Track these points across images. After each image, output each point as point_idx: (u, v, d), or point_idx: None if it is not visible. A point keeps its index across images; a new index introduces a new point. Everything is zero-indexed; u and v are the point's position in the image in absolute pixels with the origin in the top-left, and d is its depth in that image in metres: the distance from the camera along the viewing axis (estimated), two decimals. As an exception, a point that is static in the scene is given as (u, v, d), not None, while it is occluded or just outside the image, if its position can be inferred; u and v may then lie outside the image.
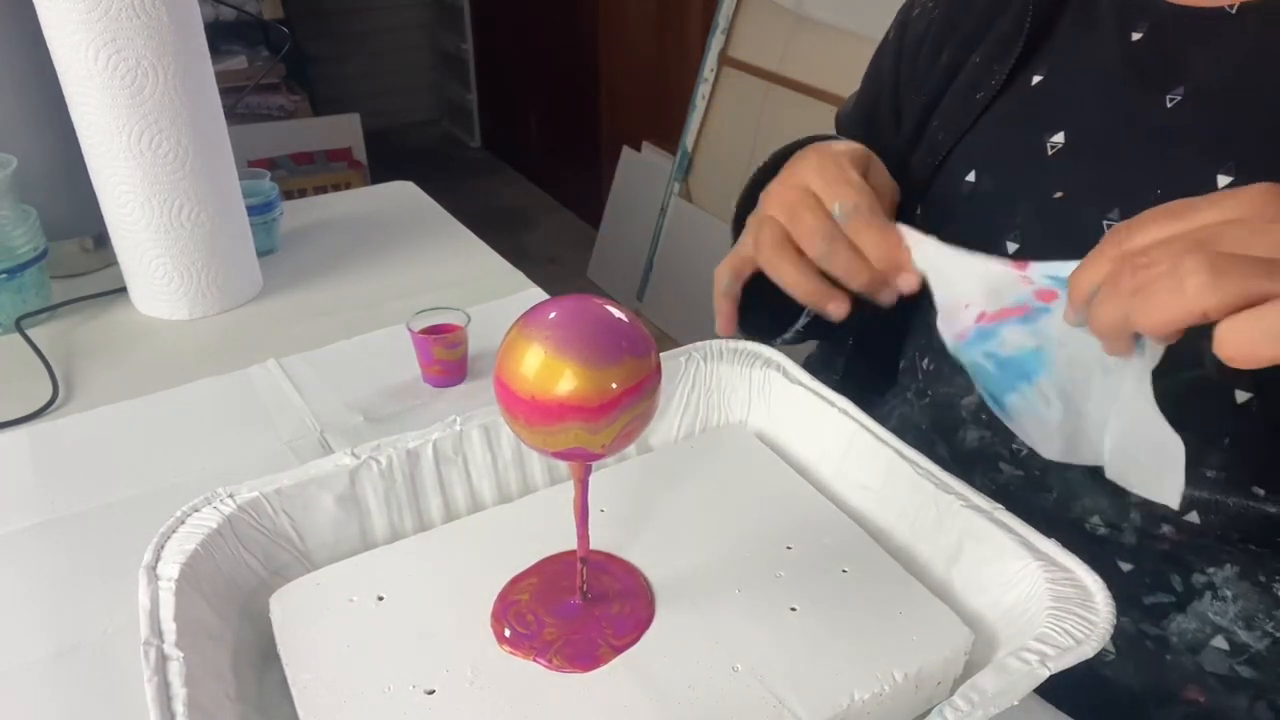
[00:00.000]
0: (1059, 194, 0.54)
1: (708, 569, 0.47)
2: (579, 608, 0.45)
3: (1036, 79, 0.58)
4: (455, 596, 0.46)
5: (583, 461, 0.42)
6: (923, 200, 0.63)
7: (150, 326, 0.83)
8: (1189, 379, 0.49)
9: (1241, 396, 0.49)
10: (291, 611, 0.46)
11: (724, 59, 2.16)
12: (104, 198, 0.78)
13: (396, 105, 3.74)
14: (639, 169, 2.52)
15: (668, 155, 2.38)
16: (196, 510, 0.47)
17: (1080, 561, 0.42)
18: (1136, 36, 0.53)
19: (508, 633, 0.44)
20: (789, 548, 0.49)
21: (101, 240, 0.89)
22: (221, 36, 2.60)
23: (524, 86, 3.27)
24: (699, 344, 0.60)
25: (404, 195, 1.13)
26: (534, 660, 0.42)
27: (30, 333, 0.79)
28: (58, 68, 0.73)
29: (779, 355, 0.59)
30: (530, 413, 0.37)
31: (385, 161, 2.97)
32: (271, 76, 2.73)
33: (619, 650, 0.43)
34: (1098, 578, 0.41)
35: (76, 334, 0.81)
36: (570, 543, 0.47)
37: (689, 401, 0.59)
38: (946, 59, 0.64)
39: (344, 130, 2.82)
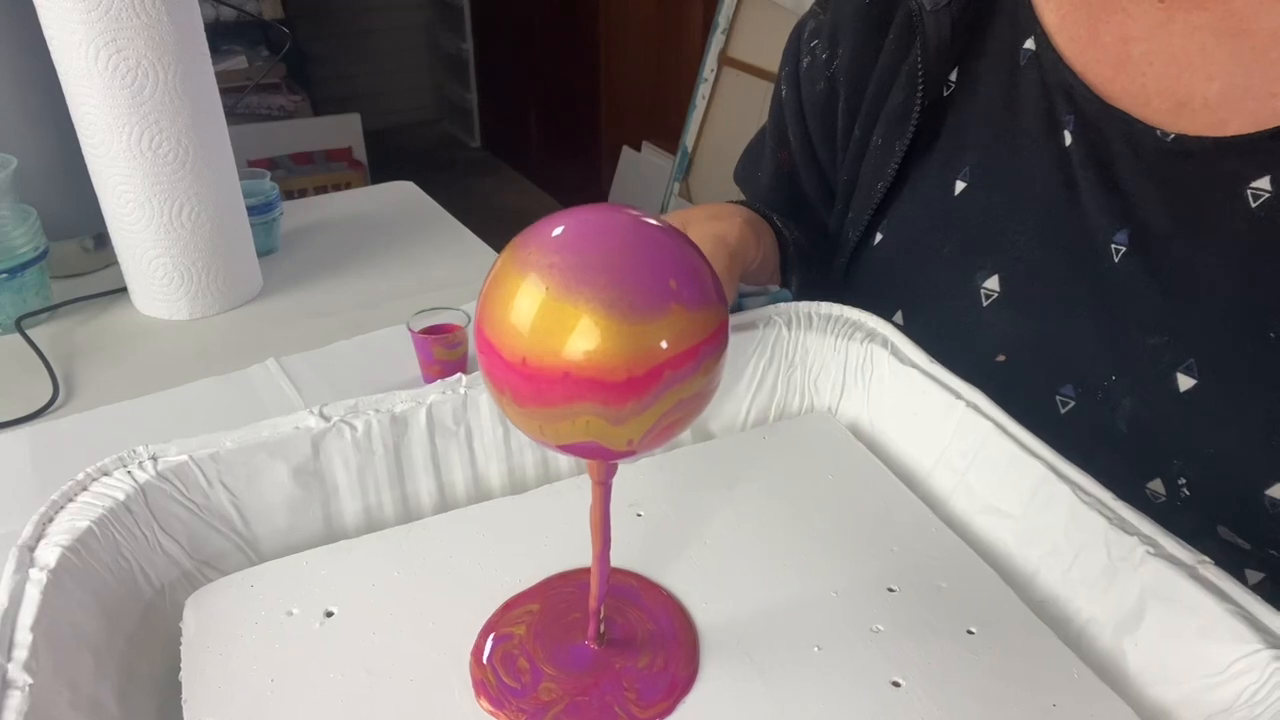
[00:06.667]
0: (1001, 356, 0.48)
1: (776, 612, 0.35)
2: (591, 655, 0.33)
3: (960, 185, 0.51)
4: (429, 619, 0.35)
5: (601, 461, 0.30)
6: None
7: (150, 326, 0.82)
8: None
9: (1254, 577, 0.44)
10: (208, 622, 0.35)
11: (724, 59, 2.16)
12: (104, 198, 0.78)
13: (396, 105, 3.73)
14: (639, 169, 2.52)
15: (668, 155, 2.38)
16: (105, 473, 0.37)
17: None
18: (1068, 141, 0.47)
19: (488, 678, 0.33)
20: (891, 590, 0.36)
21: (101, 240, 0.89)
22: (221, 36, 2.60)
23: (524, 86, 3.26)
24: (780, 305, 0.48)
25: (404, 195, 1.13)
26: None
27: (30, 333, 0.79)
28: (58, 68, 0.73)
29: (886, 327, 0.46)
30: (522, 384, 0.25)
31: (385, 161, 2.97)
32: (271, 76, 2.73)
33: None
34: None
35: (76, 334, 0.81)
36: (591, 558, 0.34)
37: (764, 378, 0.47)
38: (859, 132, 0.57)
39: (344, 130, 2.81)
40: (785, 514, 0.40)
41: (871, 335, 0.47)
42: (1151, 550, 0.33)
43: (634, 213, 0.26)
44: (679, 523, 0.40)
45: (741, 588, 0.37)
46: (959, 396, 0.42)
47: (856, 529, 0.39)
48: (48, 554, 0.33)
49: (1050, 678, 0.33)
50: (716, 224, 0.52)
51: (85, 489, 0.36)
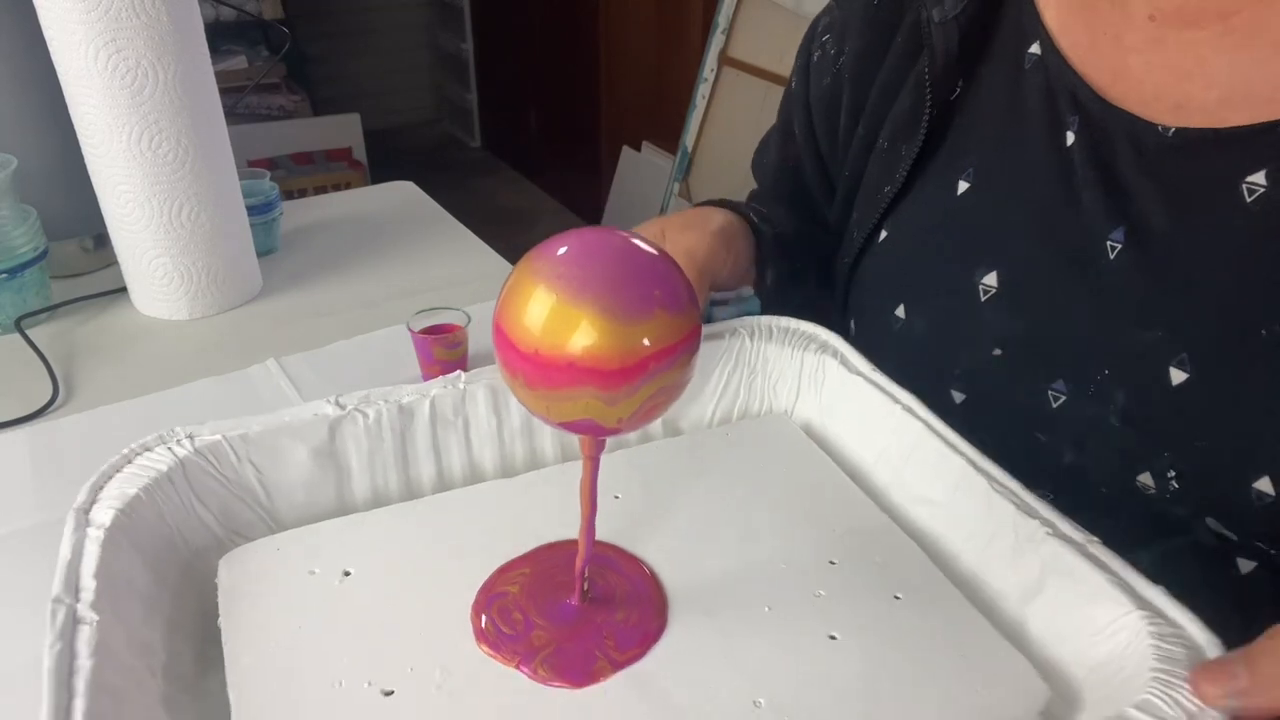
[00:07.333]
0: (998, 351, 0.50)
1: (734, 578, 0.41)
2: (576, 610, 0.39)
3: (964, 185, 0.52)
4: (434, 579, 0.41)
5: (594, 436, 0.36)
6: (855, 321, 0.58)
7: (150, 326, 0.83)
8: (1181, 545, 0.45)
9: (1245, 566, 0.45)
10: (241, 579, 0.40)
11: (724, 59, 2.16)
12: (104, 198, 0.78)
13: (396, 105, 3.73)
14: (639, 169, 2.52)
15: (668, 155, 2.38)
16: (148, 449, 0.41)
17: (1194, 617, 0.34)
18: (1070, 141, 0.48)
19: (487, 628, 0.38)
20: (832, 562, 0.42)
21: (101, 240, 0.89)
22: (221, 36, 2.60)
23: (524, 86, 3.26)
24: (744, 319, 0.54)
25: (404, 195, 1.13)
26: (516, 668, 0.37)
27: (30, 333, 0.79)
28: (58, 68, 0.73)
29: (836, 339, 0.52)
30: (533, 371, 0.31)
31: (385, 161, 2.96)
32: (271, 76, 2.73)
33: (619, 666, 0.37)
34: (1214, 638, 0.34)
35: (76, 334, 0.81)
36: (576, 530, 0.40)
37: (729, 383, 0.53)
38: (863, 131, 0.58)
39: (344, 130, 2.81)
40: (744, 499, 0.46)
41: (824, 347, 0.52)
42: (1050, 531, 0.39)
43: (624, 235, 0.33)
44: (652, 505, 0.46)
45: (705, 558, 0.43)
46: (896, 401, 0.47)
47: (805, 513, 0.45)
48: (103, 514, 0.38)
49: (963, 636, 0.38)
50: (688, 235, 0.54)
51: (130, 462, 0.41)
